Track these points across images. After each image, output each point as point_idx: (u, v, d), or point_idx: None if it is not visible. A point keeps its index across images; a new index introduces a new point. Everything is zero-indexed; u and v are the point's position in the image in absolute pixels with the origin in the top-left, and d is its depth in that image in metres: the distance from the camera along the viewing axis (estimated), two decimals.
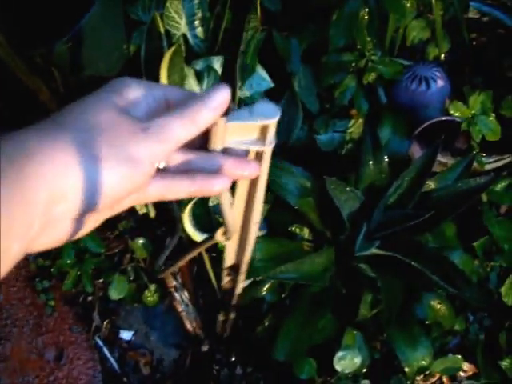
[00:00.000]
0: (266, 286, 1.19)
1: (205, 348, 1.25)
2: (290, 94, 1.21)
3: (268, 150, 0.51)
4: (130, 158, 0.42)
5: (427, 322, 1.23)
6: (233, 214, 0.60)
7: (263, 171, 0.54)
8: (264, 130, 0.49)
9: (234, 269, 0.88)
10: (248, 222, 0.66)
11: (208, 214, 1.15)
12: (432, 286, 1.18)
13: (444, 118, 1.13)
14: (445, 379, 1.20)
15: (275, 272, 1.00)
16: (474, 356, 1.25)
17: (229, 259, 0.85)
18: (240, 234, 0.73)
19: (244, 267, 0.85)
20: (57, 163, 0.39)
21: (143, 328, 1.32)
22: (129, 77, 0.47)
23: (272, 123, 0.48)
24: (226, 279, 0.95)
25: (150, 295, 1.27)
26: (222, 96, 0.46)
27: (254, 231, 0.68)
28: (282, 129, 1.21)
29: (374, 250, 1.06)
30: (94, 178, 0.40)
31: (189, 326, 1.24)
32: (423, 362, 1.11)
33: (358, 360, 1.10)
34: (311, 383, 1.16)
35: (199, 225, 1.13)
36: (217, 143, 0.47)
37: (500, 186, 1.30)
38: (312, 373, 1.14)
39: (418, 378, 1.20)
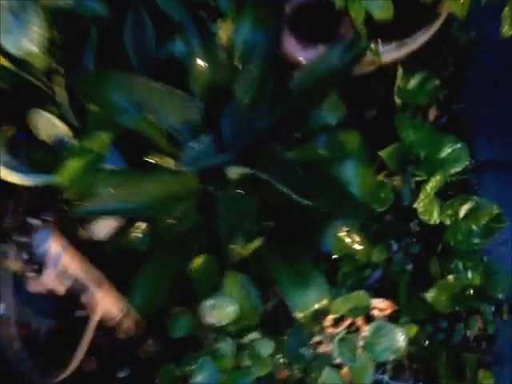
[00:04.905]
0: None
1: None
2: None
3: None
4: None
5: (335, 257, 1.00)
6: None
7: None
8: None
9: None
10: None
11: None
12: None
13: None
14: (359, 322, 0.97)
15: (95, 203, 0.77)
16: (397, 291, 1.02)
17: None
18: None
19: None
20: None
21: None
22: None
23: None
24: None
25: None
26: None
27: None
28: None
29: (234, 170, 0.83)
30: None
31: None
32: (317, 305, 0.88)
33: (232, 309, 0.88)
34: (190, 342, 0.95)
35: None
36: None
37: (412, 82, 1.05)
38: (188, 328, 0.93)
39: (326, 324, 0.97)
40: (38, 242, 0.92)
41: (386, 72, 1.13)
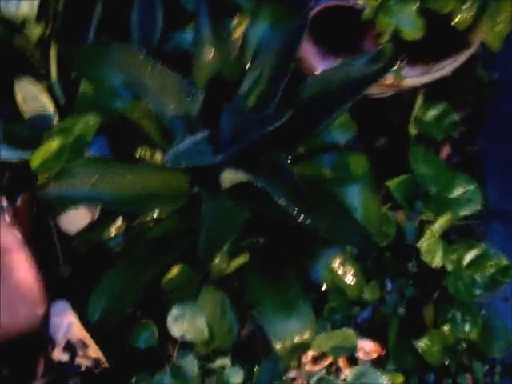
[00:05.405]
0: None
1: None
2: None
3: None
4: None
5: (324, 289, 0.91)
6: None
7: None
8: None
9: None
10: None
11: None
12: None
13: (340, 3, 0.81)
14: (341, 363, 0.88)
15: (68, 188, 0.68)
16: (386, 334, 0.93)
17: None
18: None
19: None
20: None
21: None
22: None
23: None
24: None
25: None
26: None
27: None
28: None
29: (228, 174, 0.75)
30: None
31: None
32: (299, 337, 0.79)
33: (202, 322, 0.78)
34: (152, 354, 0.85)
35: None
36: None
37: (430, 114, 0.98)
38: (151, 340, 0.83)
39: (304, 359, 0.88)
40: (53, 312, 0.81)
41: (404, 99, 1.06)
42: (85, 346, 0.77)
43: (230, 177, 0.75)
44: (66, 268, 0.94)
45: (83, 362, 0.79)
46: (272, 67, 0.72)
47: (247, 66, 0.82)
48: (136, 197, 0.75)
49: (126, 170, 0.77)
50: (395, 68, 0.87)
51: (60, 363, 0.76)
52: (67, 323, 0.75)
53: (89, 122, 0.83)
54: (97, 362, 0.80)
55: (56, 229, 0.89)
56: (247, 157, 0.73)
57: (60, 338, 0.75)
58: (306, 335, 0.79)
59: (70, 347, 0.77)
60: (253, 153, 0.73)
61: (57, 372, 0.81)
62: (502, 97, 1.16)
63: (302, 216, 0.65)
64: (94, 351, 0.76)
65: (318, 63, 0.91)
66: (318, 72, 0.89)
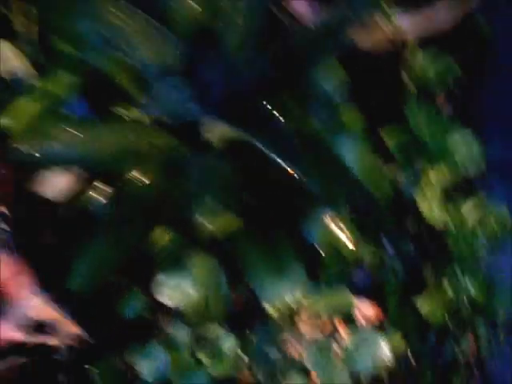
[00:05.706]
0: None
1: None
2: None
3: None
4: None
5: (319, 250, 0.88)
6: None
7: None
8: None
9: None
10: None
11: None
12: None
13: None
14: (338, 325, 0.85)
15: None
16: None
17: None
18: None
19: None
20: None
21: None
22: None
23: None
24: None
25: None
26: None
27: None
28: None
29: (213, 127, 0.71)
30: None
31: None
32: (291, 297, 0.75)
33: (193, 289, 0.75)
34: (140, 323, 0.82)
35: None
36: None
37: (427, 65, 0.93)
38: (139, 309, 0.80)
39: (299, 322, 0.84)
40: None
41: (399, 53, 1.01)
42: (56, 325, 0.73)
43: (215, 132, 0.71)
44: (48, 234, 0.91)
45: (57, 341, 0.76)
46: (254, 15, 0.68)
47: (229, 16, 0.78)
48: (116, 156, 0.71)
49: (106, 128, 0.73)
50: (388, 14, 0.82)
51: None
52: (33, 306, 0.72)
53: (65, 80, 0.79)
54: (75, 338, 0.77)
55: (36, 194, 0.85)
56: (233, 109, 0.69)
57: (25, 320, 0.73)
58: (297, 294, 0.75)
59: (38, 328, 0.74)
60: (239, 105, 0.69)
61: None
62: (503, 49, 1.11)
63: (294, 172, 0.61)
64: (70, 328, 0.73)
65: (305, 11, 0.86)
66: (305, 19, 0.84)
